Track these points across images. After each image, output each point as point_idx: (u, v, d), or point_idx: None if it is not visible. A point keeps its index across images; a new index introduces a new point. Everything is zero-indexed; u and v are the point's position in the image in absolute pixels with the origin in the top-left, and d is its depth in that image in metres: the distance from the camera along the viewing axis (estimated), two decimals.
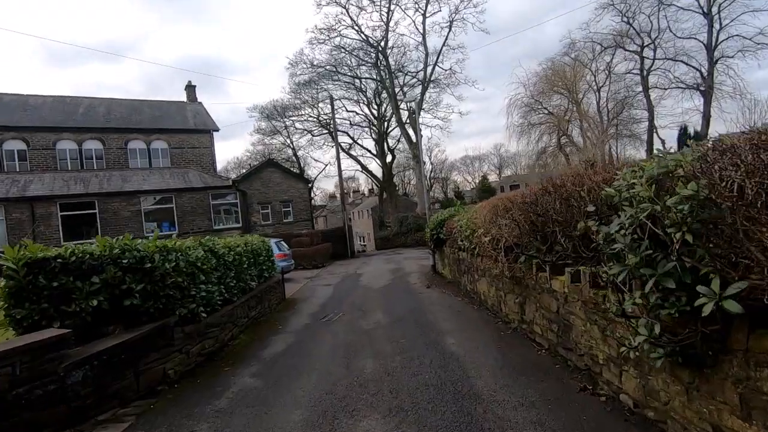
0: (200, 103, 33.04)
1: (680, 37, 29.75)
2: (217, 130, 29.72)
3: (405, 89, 32.88)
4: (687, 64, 30.71)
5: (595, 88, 41.42)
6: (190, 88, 33.58)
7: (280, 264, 15.06)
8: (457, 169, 76.91)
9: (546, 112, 35.44)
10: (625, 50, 34.98)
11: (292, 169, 35.89)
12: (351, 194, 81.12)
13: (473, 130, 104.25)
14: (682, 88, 30.71)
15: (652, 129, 35.54)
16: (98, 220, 22.45)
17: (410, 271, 15.58)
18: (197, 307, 5.36)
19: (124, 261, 4.53)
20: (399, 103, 30.70)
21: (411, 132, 29.22)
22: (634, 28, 33.63)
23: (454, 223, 9.88)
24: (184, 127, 28.70)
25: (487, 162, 77.35)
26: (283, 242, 16.79)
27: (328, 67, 30.12)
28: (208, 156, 28.90)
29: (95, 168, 25.35)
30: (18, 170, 23.52)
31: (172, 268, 4.95)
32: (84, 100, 29.26)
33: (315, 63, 29.92)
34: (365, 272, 16.68)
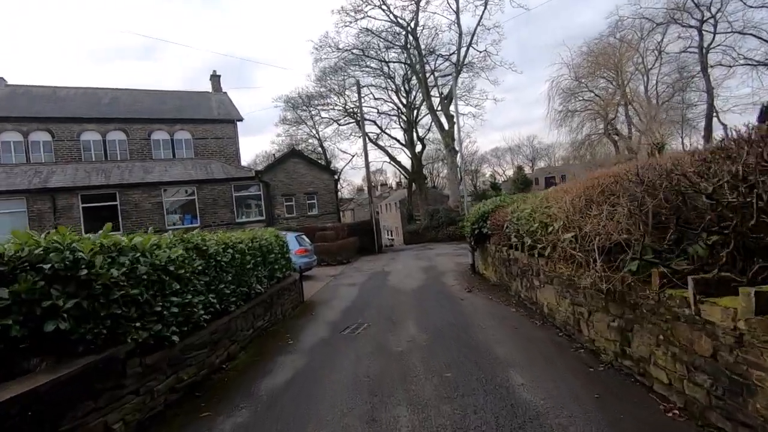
0: (225, 93, 32.26)
1: (752, 7, 26.29)
2: (241, 119, 28.78)
3: (436, 74, 30.89)
4: (757, 37, 27.19)
5: (643, 70, 38.05)
6: (215, 78, 32.87)
7: (300, 261, 13.69)
8: (487, 162, 73.98)
9: (592, 94, 32.59)
10: (682, 25, 31.60)
11: (318, 160, 34.72)
12: (379, 187, 79.79)
13: (504, 121, 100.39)
14: (752, 64, 27.20)
15: (711, 113, 32.07)
16: (119, 213, 21.84)
17: (445, 269, 13.86)
18: (165, 329, 3.88)
19: (46, 266, 3.08)
20: (429, 89, 28.75)
21: (443, 119, 27.30)
22: (693, 1, 30.19)
23: (503, 216, 8.11)
24: (208, 117, 27.91)
25: (520, 154, 73.99)
26: (304, 236, 15.42)
27: (354, 51, 28.53)
28: (231, 146, 28.03)
29: (119, 159, 24.89)
30: (43, 161, 23.27)
31: (124, 276, 3.48)
32: (109, 92, 28.97)
33: (341, 46, 28.40)
34: (394, 270, 15.08)
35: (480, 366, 4.51)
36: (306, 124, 35.91)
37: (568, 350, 4.81)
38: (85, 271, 3.22)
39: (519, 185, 40.07)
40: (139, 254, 3.75)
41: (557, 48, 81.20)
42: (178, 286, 4.20)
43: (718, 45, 30.99)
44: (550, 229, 4.57)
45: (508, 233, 7.52)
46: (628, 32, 35.78)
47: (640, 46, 36.53)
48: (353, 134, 37.33)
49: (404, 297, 9.62)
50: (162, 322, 3.86)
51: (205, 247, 5.13)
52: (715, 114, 31.22)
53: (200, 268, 4.86)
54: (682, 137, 33.48)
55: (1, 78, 27.36)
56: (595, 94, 32.44)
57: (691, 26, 31.49)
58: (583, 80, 31.93)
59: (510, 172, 67.95)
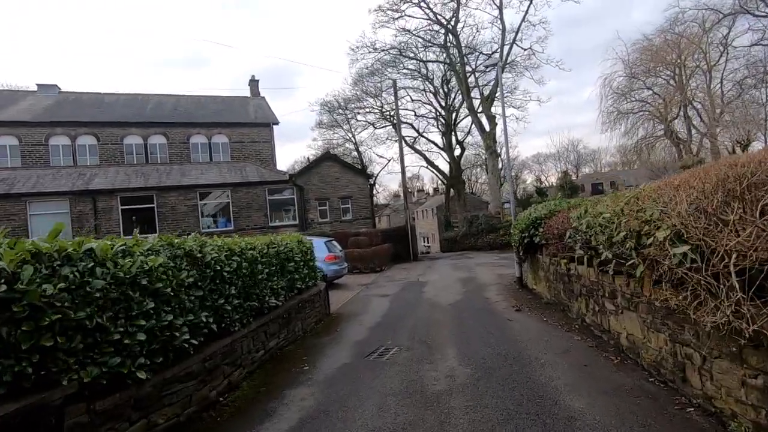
0: (263, 97, 32.39)
1: None
2: (277, 123, 28.66)
3: (476, 74, 29.47)
4: None
5: (705, 67, 34.80)
6: (254, 83, 33.12)
7: (329, 268, 12.81)
8: (528, 168, 70.96)
9: (650, 92, 30.02)
10: (754, 15, 28.50)
11: (354, 164, 34.10)
12: (415, 194, 78.63)
13: (546, 127, 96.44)
14: None
15: None
16: (156, 215, 21.97)
17: (486, 282, 12.51)
18: (127, 362, 2.95)
19: None
20: (470, 89, 27.38)
21: (484, 121, 25.85)
22: None
23: (562, 222, 6.78)
24: (245, 120, 27.95)
25: (563, 160, 70.51)
26: (335, 242, 14.54)
27: (391, 51, 27.67)
28: (267, 150, 27.91)
29: (159, 162, 25.25)
30: (89, 164, 23.92)
31: (66, 293, 2.58)
32: (153, 97, 29.71)
33: (377, 46, 27.62)
34: (430, 281, 13.87)
35: (549, 429, 3.28)
36: (342, 127, 35.49)
37: (669, 408, 3.49)
38: (4, 288, 2.34)
39: (566, 191, 37.62)
40: (93, 264, 2.85)
41: (603, 50, 76.92)
42: (152, 305, 3.27)
43: None
44: (649, 240, 3.29)
45: (569, 243, 6.19)
46: (690, 26, 32.91)
47: (702, 41, 33.44)
48: (389, 138, 36.51)
49: (441, 314, 8.42)
50: (122, 354, 2.93)
51: (199, 255, 4.23)
52: None
53: (191, 280, 3.95)
54: (766, 137, 30.10)
55: (55, 85, 28.64)
56: (654, 92, 29.81)
57: (765, 15, 28.33)
58: (639, 77, 29.43)
59: (552, 179, 64.80)
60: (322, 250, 13.20)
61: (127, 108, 27.20)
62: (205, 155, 26.63)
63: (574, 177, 62.45)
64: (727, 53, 33.47)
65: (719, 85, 34.75)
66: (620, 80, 30.04)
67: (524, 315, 7.62)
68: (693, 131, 34.37)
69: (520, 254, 9.63)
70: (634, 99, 34.51)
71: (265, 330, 5.76)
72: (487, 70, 30.06)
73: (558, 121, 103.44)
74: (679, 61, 32.75)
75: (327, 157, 26.67)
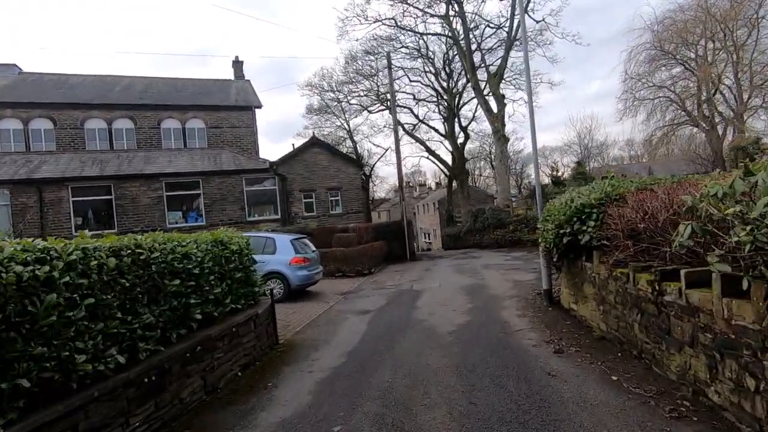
0: (247, 80, 29.39)
1: None
2: (260, 106, 25.69)
3: (483, 51, 26.31)
4: None
5: (731, 48, 31.39)
6: (237, 64, 30.15)
7: (296, 274, 9.89)
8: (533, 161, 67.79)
9: (677, 71, 26.84)
10: None
11: (350, 155, 31.07)
12: (417, 188, 75.55)
13: (552, 121, 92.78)
14: None
15: None
16: (114, 208, 19.10)
17: (500, 293, 9.52)
18: None
19: None
20: (475, 67, 24.24)
21: (492, 102, 22.76)
22: None
23: (653, 206, 3.80)
24: (223, 104, 24.98)
25: (570, 153, 67.15)
26: (306, 241, 11.58)
27: (386, 22, 24.50)
28: (248, 136, 24.98)
29: (126, 149, 22.35)
30: (44, 150, 21.04)
31: None
32: (123, 79, 26.72)
33: (369, 16, 24.43)
34: (426, 289, 10.90)
35: None
36: (334, 113, 32.40)
37: None
38: None
39: (580, 182, 34.42)
40: None
41: (612, 40, 72.96)
42: None
43: None
44: None
45: (682, 247, 3.20)
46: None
47: (729, 17, 30.01)
48: (387, 126, 33.45)
49: (437, 355, 5.44)
50: None
51: None
52: None
53: None
54: None
55: (14, 65, 25.72)
56: (686, 67, 26.53)
57: None
58: (669, 53, 26.17)
59: (558, 173, 61.31)
60: (286, 251, 10.27)
61: (90, 90, 24.24)
62: (179, 141, 23.72)
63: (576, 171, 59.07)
64: (758, 30, 29.98)
65: (749, 66, 31.31)
66: (647, 53, 26.78)
67: (572, 364, 4.64)
68: (717, 117, 31.13)
69: (554, 259, 6.64)
70: (652, 84, 31.36)
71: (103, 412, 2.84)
72: (494, 49, 26.99)
73: (565, 114, 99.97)
74: (704, 40, 29.51)
75: (313, 143, 23.67)
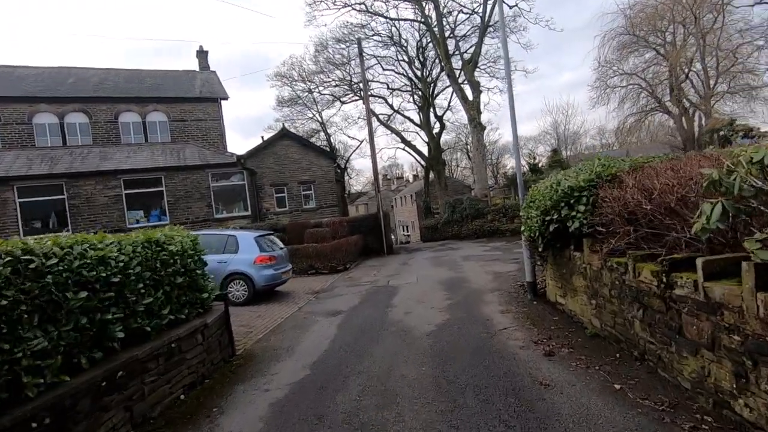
0: (213, 71, 27.91)
1: None
2: (226, 98, 24.43)
3: (457, 39, 25.70)
4: None
5: (698, 34, 31.80)
6: (202, 55, 28.59)
7: (260, 274, 9.07)
8: (509, 152, 68.16)
9: (655, 52, 26.97)
10: None
11: (323, 147, 30.02)
12: (395, 181, 74.99)
13: (526, 112, 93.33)
14: None
15: None
16: (67, 208, 17.69)
17: (481, 286, 8.96)
18: None
19: None
20: (449, 54, 23.61)
21: (468, 90, 22.22)
22: None
23: (664, 186, 3.20)
24: (187, 95, 23.58)
25: (544, 142, 67.86)
26: (273, 238, 10.72)
27: (356, 7, 23.53)
28: (215, 129, 23.73)
29: (80, 145, 20.78)
30: None
31: None
32: (77, 71, 24.87)
33: (338, 2, 23.32)
34: (403, 285, 10.25)
35: None
36: (306, 105, 31.25)
37: None
38: None
39: (557, 169, 34.48)
40: None
41: (582, 29, 73.64)
42: None
43: None
44: None
45: (702, 231, 2.60)
46: None
47: (693, 6, 30.31)
48: (361, 117, 32.55)
49: (413, 363, 4.78)
50: None
51: None
52: None
53: None
54: None
55: None
56: (658, 53, 26.64)
57: None
58: (641, 33, 26.18)
59: (535, 160, 61.79)
60: (250, 250, 9.41)
61: (39, 82, 22.44)
62: (139, 136, 22.25)
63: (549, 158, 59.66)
64: (724, 16, 30.36)
65: (715, 52, 31.75)
66: (620, 39, 26.78)
67: (566, 370, 4.05)
68: (686, 103, 31.58)
69: (540, 249, 6.06)
70: (623, 72, 31.55)
71: None
72: (468, 35, 26.43)
73: (539, 105, 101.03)
74: (673, 26, 29.78)
75: (283, 135, 22.61)
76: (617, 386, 3.54)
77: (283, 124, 24.72)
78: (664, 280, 3.34)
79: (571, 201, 4.95)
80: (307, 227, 17.33)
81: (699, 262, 2.91)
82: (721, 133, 14.80)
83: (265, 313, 8.53)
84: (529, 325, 5.69)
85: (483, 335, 5.49)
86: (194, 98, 23.53)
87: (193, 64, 27.89)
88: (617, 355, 4.21)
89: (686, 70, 29.47)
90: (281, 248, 10.53)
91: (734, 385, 2.72)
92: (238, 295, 9.30)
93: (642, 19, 26.38)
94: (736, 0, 28.60)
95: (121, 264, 3.87)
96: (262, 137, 22.35)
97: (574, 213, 4.88)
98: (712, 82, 30.35)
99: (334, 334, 6.51)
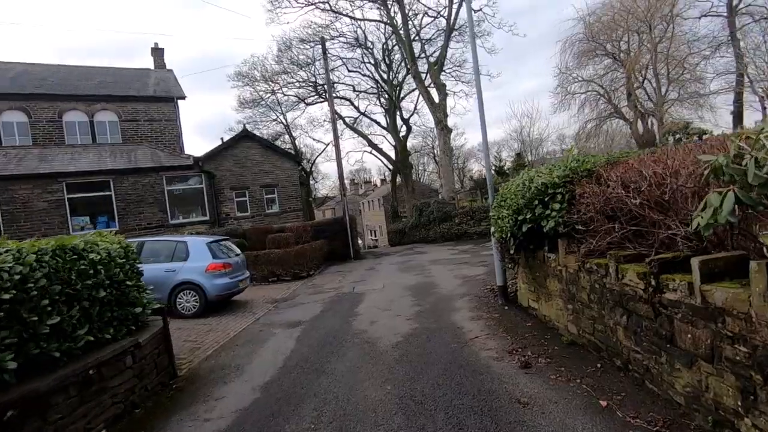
0: (169, 70, 26.53)
1: None
2: (183, 97, 23.19)
3: (423, 42, 25.63)
4: None
5: (649, 45, 33.34)
6: (157, 52, 27.14)
7: (213, 283, 8.32)
8: (474, 156, 69.36)
9: (613, 58, 27.89)
10: None
11: (288, 150, 29.06)
12: (362, 185, 74.51)
13: (490, 117, 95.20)
14: None
15: (741, 88, 27.43)
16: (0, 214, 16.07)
17: (450, 291, 8.58)
18: None
19: None
20: (415, 57, 23.45)
21: (434, 92, 22.08)
22: None
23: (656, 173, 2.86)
24: (140, 94, 22.18)
25: (507, 147, 69.53)
26: (227, 243, 9.93)
27: (320, 5, 22.95)
28: (171, 130, 22.40)
29: (17, 146, 19.04)
30: None
31: None
32: (16, 66, 22.95)
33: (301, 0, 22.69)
34: (369, 291, 9.74)
35: None
36: (269, 106, 30.26)
37: None
38: None
39: (520, 171, 35.03)
40: None
41: (543, 41, 76.06)
42: None
43: (749, 4, 26.47)
44: None
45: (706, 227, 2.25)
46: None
47: (647, 16, 31.73)
48: (326, 120, 31.86)
49: (377, 379, 4.27)
50: None
51: None
52: (751, 84, 26.57)
53: None
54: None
55: None
56: (616, 59, 27.57)
57: None
58: (600, 40, 27.02)
59: (501, 163, 62.95)
60: (202, 257, 8.62)
61: None
62: (86, 137, 20.66)
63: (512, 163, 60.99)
64: (674, 27, 31.88)
65: (665, 61, 33.29)
66: (580, 45, 27.56)
67: (546, 384, 3.65)
68: (640, 109, 32.94)
69: (511, 251, 5.72)
70: (582, 78, 32.58)
71: None
72: (434, 39, 26.43)
73: (502, 112, 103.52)
74: (628, 35, 31.03)
75: (244, 137, 21.66)
76: (603, 402, 3.17)
77: (244, 125, 23.65)
78: (653, 282, 3.00)
79: (545, 199, 4.61)
80: (270, 232, 16.52)
81: (695, 262, 2.57)
82: (677, 136, 15.33)
83: (217, 326, 7.78)
84: (502, 333, 5.30)
85: (453, 345, 5.06)
86: (148, 97, 22.18)
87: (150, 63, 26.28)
88: (598, 364, 3.86)
89: (641, 78, 30.76)
90: (237, 255, 9.77)
91: (739, 403, 2.38)
92: (188, 306, 8.49)
93: (599, 28, 27.26)
94: (684, 12, 30.18)
95: (17, 277, 3.15)
96: (222, 139, 21.27)
97: (548, 212, 4.54)
98: (664, 90, 31.76)
99: (291, 349, 5.91)
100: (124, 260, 4.71)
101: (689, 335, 2.73)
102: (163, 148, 21.24)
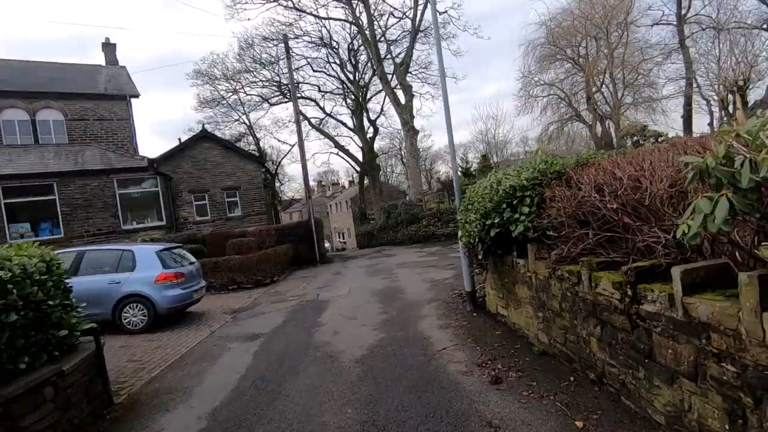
0: (122, 66, 25.02)
1: None
2: (137, 96, 21.90)
3: (389, 44, 25.43)
4: None
5: (605, 51, 34.65)
6: (109, 48, 25.50)
7: (163, 295, 7.69)
8: (442, 158, 70.09)
9: (570, 63, 28.69)
10: None
11: (253, 153, 28.07)
12: (330, 187, 73.71)
13: (455, 121, 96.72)
14: (745, 27, 24.05)
15: (690, 93, 28.89)
16: None
17: (417, 297, 8.30)
18: None
19: None
20: (381, 58, 23.22)
21: (400, 94, 21.92)
22: None
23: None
24: (89, 92, 20.75)
25: (473, 150, 70.73)
26: (180, 251, 9.25)
27: (282, 2, 22.29)
28: (124, 130, 21.04)
29: None
30: None
31: None
32: None
33: None
34: (334, 300, 9.32)
35: None
36: (231, 106, 29.19)
37: None
38: None
39: (487, 174, 35.52)
40: None
41: (507, 46, 77.96)
42: None
43: (698, 13, 27.95)
44: None
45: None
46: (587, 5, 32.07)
47: (604, 24, 32.96)
48: (291, 120, 31.06)
49: (338, 400, 3.89)
50: None
51: None
52: (698, 90, 28.01)
53: None
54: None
55: None
56: (576, 63, 28.39)
57: None
58: (561, 45, 27.75)
59: (468, 164, 63.85)
60: (150, 266, 7.94)
61: None
62: (28, 137, 19.11)
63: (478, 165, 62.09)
64: (628, 34, 33.22)
65: (620, 68, 34.64)
66: (542, 49, 28.21)
67: (518, 402, 3.40)
68: (599, 112, 34.16)
69: (479, 256, 5.49)
70: (544, 82, 33.45)
71: None
72: (400, 40, 26.31)
73: (467, 115, 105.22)
74: (586, 41, 32.11)
75: (203, 137, 20.69)
76: (579, 423, 2.94)
77: (203, 125, 22.62)
78: (629, 293, 2.80)
79: (514, 202, 4.40)
80: (231, 237, 15.77)
81: (676, 271, 2.36)
82: (635, 138, 15.82)
83: (167, 341, 7.15)
84: (470, 343, 5.05)
85: (421, 358, 4.76)
86: (98, 95, 20.80)
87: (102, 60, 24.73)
88: (571, 378, 3.66)
89: (599, 82, 31.88)
90: (192, 263, 9.12)
91: (727, 427, 2.18)
92: (135, 321, 7.79)
93: (560, 33, 27.98)
94: (638, 20, 31.53)
95: None
96: (179, 139, 20.19)
97: (517, 216, 4.32)
98: (620, 94, 33.07)
99: (247, 366, 5.43)
100: (45, 276, 4.11)
101: (670, 350, 2.53)
102: (115, 149, 19.97)
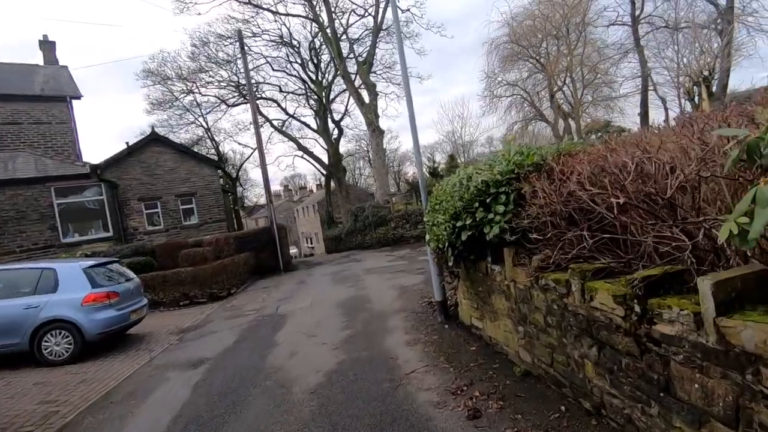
0: (63, 66, 23.09)
1: None
2: (78, 97, 20.19)
3: (351, 42, 24.73)
4: None
5: (565, 51, 35.36)
6: (47, 46, 23.46)
7: (93, 318, 6.66)
8: (409, 160, 70.07)
9: (534, 61, 28.94)
10: None
11: (211, 156, 26.59)
12: (297, 191, 72.06)
13: (421, 123, 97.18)
14: (696, 26, 24.89)
15: (646, 91, 29.79)
16: None
17: (384, 306, 7.62)
18: None
19: None
20: (343, 56, 22.50)
21: (364, 93, 21.22)
22: None
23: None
24: (23, 93, 18.90)
25: (440, 150, 71.12)
26: (118, 266, 8.18)
27: None
28: (63, 134, 19.26)
29: None
30: None
31: None
32: None
33: None
34: (294, 313, 8.50)
35: None
36: (186, 108, 27.57)
37: None
38: None
39: (453, 171, 35.48)
40: None
41: (470, 48, 79.00)
42: None
43: (651, 14, 28.86)
44: None
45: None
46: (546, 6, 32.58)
47: (562, 25, 33.61)
48: (252, 122, 29.74)
49: None
50: None
51: None
52: (654, 88, 28.88)
53: None
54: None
55: None
56: (538, 62, 28.66)
57: None
58: (524, 44, 27.93)
59: (435, 164, 64.12)
60: (76, 286, 6.86)
61: None
62: None
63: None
64: (585, 35, 33.94)
65: (580, 67, 35.37)
66: (505, 48, 28.32)
67: None
68: (560, 111, 34.76)
69: (449, 263, 4.87)
70: (507, 82, 33.75)
71: None
72: (362, 38, 25.68)
73: (433, 116, 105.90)
74: (546, 42, 32.62)
75: (153, 140, 19.22)
76: None
77: (152, 128, 21.11)
78: (637, 309, 2.22)
79: (487, 200, 3.80)
80: (184, 247, 14.57)
81: (706, 283, 1.79)
82: (599, 134, 15.89)
83: (94, 374, 6.14)
84: (443, 363, 4.42)
85: (386, 386, 4.07)
86: (33, 96, 18.98)
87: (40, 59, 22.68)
88: (562, 407, 3.07)
89: (561, 82, 32.43)
90: (129, 279, 8.06)
91: None
92: (58, 351, 6.70)
93: (522, 33, 28.17)
94: (595, 21, 32.26)
95: None
96: (127, 143, 18.66)
97: (491, 215, 3.73)
98: (580, 93, 33.80)
99: (184, 402, 4.59)
100: None
101: (696, 385, 1.96)
102: (54, 154, 18.25)
